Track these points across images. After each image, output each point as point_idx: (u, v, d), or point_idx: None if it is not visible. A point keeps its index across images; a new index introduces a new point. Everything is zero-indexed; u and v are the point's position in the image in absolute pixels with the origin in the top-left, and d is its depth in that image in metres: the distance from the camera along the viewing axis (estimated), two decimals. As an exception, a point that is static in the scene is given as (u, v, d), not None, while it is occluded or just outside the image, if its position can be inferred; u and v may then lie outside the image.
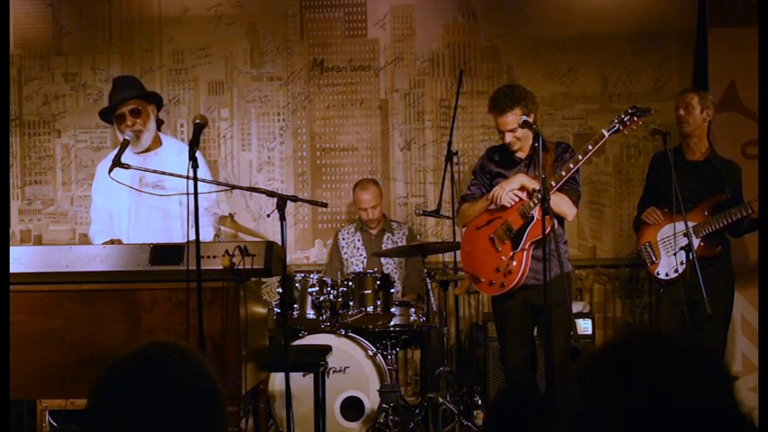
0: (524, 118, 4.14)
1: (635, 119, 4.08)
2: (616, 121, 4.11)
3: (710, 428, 1.14)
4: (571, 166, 4.14)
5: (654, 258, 4.70)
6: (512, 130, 4.26)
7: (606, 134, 4.11)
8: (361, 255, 5.70)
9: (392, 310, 5.03)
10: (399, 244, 5.67)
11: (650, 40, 5.98)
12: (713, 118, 4.83)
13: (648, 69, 6.00)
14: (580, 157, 4.12)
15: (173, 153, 4.18)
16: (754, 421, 1.18)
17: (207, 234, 4.16)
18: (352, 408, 4.88)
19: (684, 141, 4.78)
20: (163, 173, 3.72)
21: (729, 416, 1.16)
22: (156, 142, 4.27)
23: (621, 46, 6.02)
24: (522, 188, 4.25)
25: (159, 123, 4.32)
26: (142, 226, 4.16)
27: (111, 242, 3.93)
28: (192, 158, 3.32)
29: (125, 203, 4.19)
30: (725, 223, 4.56)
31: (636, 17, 6.00)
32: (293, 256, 6.00)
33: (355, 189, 5.76)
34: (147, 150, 4.21)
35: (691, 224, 4.45)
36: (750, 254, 5.21)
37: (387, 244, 5.68)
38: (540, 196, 3.99)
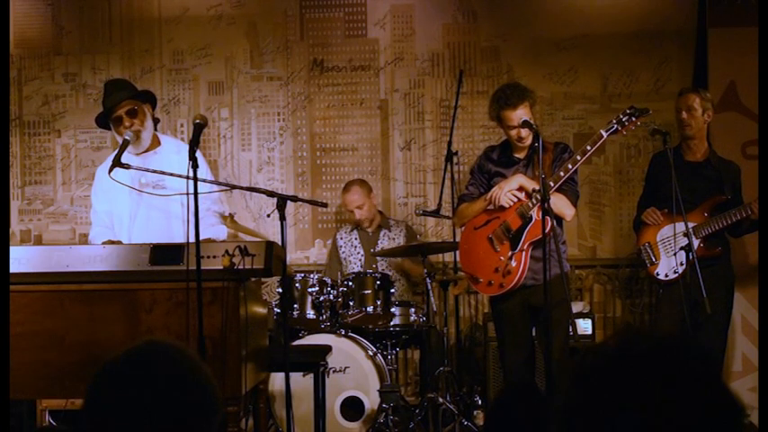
0: (524, 118, 4.14)
1: (633, 119, 4.08)
2: (614, 121, 4.11)
3: (700, 418, 1.14)
4: (569, 166, 4.13)
5: (653, 259, 4.69)
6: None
7: (604, 134, 4.10)
8: (358, 253, 5.70)
9: (392, 310, 5.04)
10: (397, 241, 5.67)
11: (650, 40, 5.98)
12: (712, 118, 4.83)
13: (648, 69, 6.00)
14: (578, 157, 4.12)
15: (172, 152, 4.15)
16: (744, 409, 1.18)
17: (220, 233, 4.16)
18: (352, 408, 4.88)
19: (684, 142, 4.77)
20: (163, 173, 3.71)
21: (717, 402, 1.16)
22: (155, 142, 4.23)
23: (621, 46, 6.02)
24: (521, 188, 4.25)
25: (155, 122, 4.29)
26: (143, 226, 4.13)
27: (111, 242, 3.92)
28: (192, 158, 3.32)
29: (126, 205, 4.16)
30: (724, 224, 4.55)
31: (636, 17, 5.99)
32: (293, 256, 6.00)
33: (342, 193, 5.77)
34: (146, 150, 4.18)
35: (690, 225, 4.45)
36: (750, 254, 5.21)
37: (383, 241, 5.67)
38: (538, 196, 3.99)
